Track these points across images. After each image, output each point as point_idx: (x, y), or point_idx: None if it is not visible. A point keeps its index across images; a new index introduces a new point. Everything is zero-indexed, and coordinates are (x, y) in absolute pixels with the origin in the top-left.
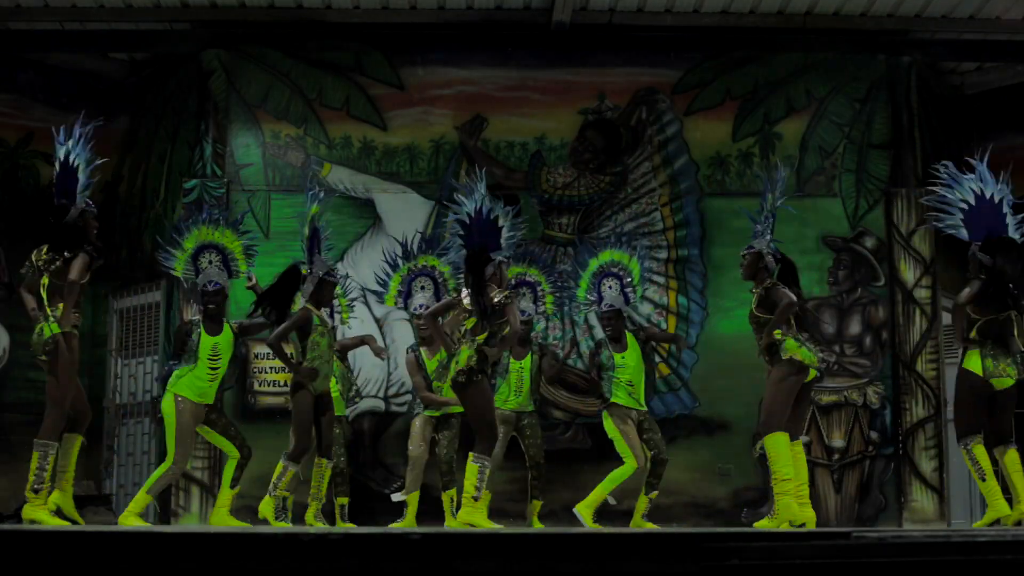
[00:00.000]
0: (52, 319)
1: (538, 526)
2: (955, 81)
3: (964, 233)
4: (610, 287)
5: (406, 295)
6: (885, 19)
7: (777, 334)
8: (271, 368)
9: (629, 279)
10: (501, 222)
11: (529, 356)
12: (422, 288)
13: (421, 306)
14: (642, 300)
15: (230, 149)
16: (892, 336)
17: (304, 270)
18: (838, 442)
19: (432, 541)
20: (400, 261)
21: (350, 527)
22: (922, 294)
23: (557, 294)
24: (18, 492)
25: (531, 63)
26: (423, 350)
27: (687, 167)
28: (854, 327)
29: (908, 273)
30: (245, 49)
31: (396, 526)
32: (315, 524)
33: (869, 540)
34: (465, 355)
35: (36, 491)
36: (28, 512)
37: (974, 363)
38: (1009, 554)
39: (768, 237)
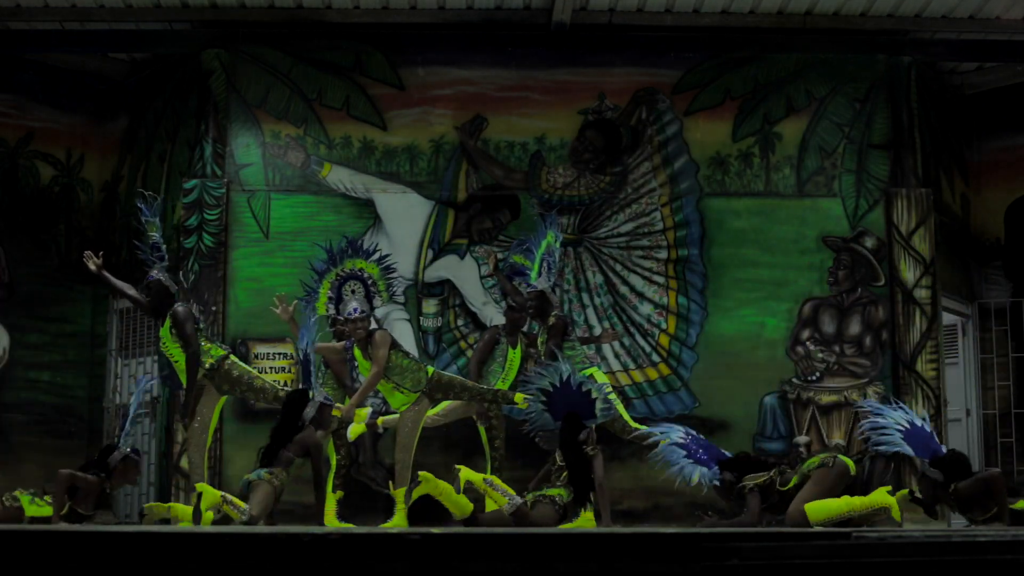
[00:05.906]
0: None
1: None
2: (955, 81)
3: (908, 450)
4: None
5: (336, 300)
6: (885, 19)
7: None
8: (271, 368)
9: (553, 259)
10: (594, 395)
11: (519, 347)
12: (352, 292)
13: (356, 310)
14: (642, 300)
15: (230, 149)
16: (892, 336)
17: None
18: (838, 442)
19: (431, 541)
20: (328, 266)
21: (348, 527)
22: (922, 294)
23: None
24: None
25: (531, 63)
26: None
27: (687, 167)
28: (854, 327)
29: (908, 273)
30: (245, 49)
31: (387, 526)
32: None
33: (869, 540)
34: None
35: None
36: None
37: None
38: (1009, 554)
39: None
